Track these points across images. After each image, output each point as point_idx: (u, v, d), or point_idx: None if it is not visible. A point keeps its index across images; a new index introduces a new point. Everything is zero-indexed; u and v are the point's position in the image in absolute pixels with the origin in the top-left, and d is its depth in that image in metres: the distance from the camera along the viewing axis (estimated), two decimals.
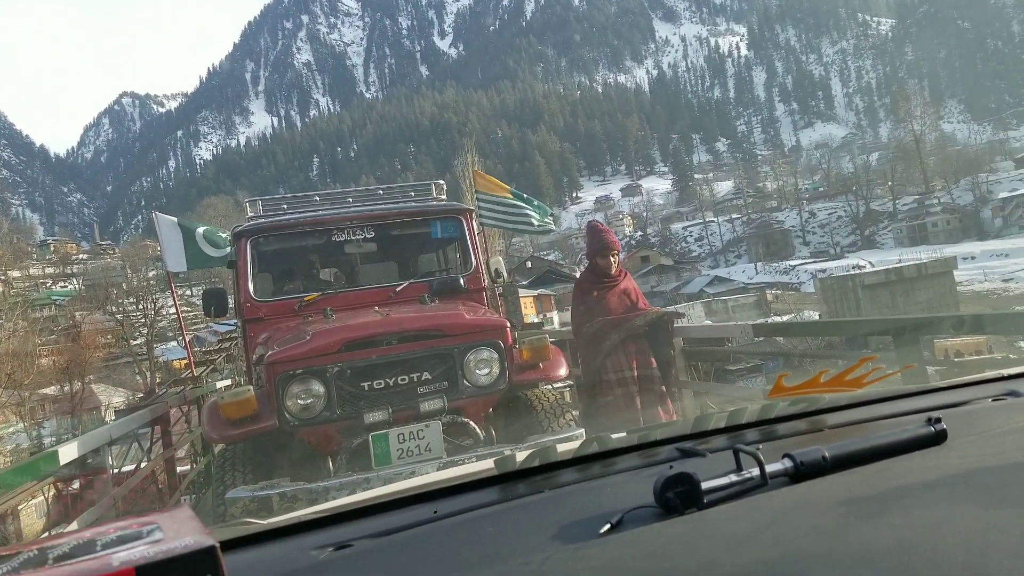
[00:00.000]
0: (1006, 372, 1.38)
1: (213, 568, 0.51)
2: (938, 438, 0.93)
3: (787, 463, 0.85)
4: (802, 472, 0.84)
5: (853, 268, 61.16)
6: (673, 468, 0.81)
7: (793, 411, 1.18)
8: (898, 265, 43.89)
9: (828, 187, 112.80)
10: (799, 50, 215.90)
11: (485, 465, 1.12)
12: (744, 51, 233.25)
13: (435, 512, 0.88)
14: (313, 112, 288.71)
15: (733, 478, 0.82)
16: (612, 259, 5.05)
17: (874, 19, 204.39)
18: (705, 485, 0.78)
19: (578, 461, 1.05)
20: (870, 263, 64.66)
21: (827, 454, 0.86)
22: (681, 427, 1.17)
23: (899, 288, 38.54)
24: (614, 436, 1.15)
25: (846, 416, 1.17)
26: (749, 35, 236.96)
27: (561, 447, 1.12)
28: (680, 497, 0.78)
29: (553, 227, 10.73)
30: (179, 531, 0.55)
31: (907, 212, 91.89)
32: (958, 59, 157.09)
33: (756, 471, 0.82)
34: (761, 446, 0.90)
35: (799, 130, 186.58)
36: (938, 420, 0.95)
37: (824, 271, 63.61)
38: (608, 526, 0.75)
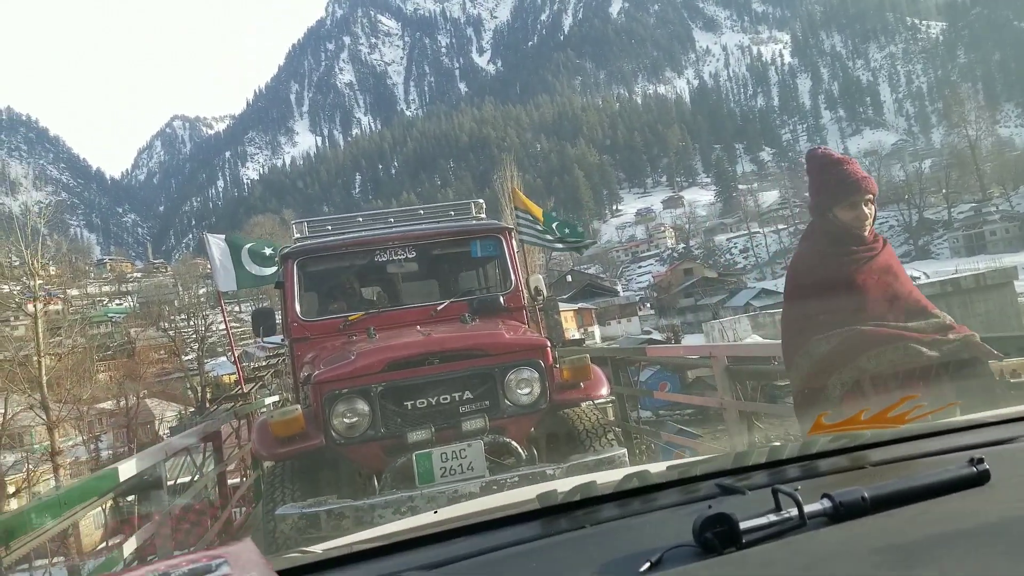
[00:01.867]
0: None
1: None
2: (980, 479, 0.92)
3: (826, 503, 0.85)
4: (841, 513, 0.84)
5: None
6: (712, 508, 0.81)
7: (833, 447, 1.17)
8: (955, 276, 42.54)
9: (879, 195, 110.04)
10: (845, 56, 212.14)
11: (528, 495, 1.12)
12: (788, 59, 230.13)
13: (480, 545, 0.89)
14: (355, 131, 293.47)
15: (772, 518, 0.82)
16: (866, 210, 2.78)
17: (923, 23, 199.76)
18: (743, 525, 0.78)
19: (619, 496, 1.05)
20: (925, 274, 62.71)
21: (866, 494, 0.85)
22: (722, 462, 1.16)
23: (956, 300, 37.26)
24: (654, 470, 1.16)
25: (887, 453, 1.15)
26: (793, 42, 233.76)
27: (602, 480, 1.12)
28: (719, 537, 0.78)
29: (588, 246, 10.82)
30: (245, 566, 0.58)
31: (963, 220, 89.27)
32: (1014, 61, 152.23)
33: (795, 511, 0.82)
34: (800, 484, 0.89)
35: (847, 138, 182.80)
36: (980, 460, 0.93)
37: None
38: (648, 564, 0.75)
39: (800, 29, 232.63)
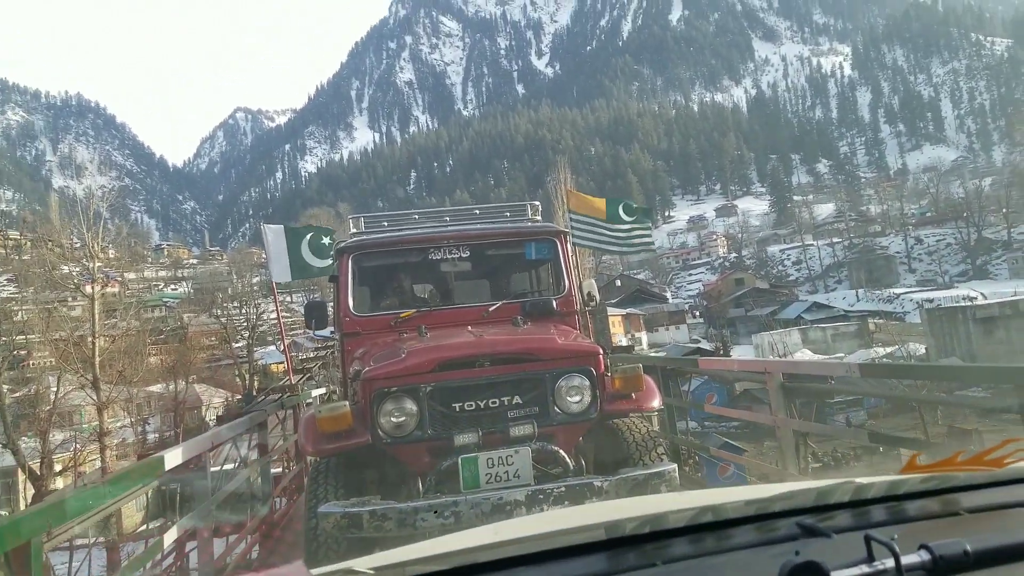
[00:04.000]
0: None
1: None
2: None
3: (924, 556, 0.77)
4: (940, 567, 0.77)
5: (963, 299, 57.59)
6: (799, 554, 0.75)
7: (924, 488, 1.09)
8: (1014, 298, 41.00)
9: (936, 212, 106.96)
10: (907, 70, 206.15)
11: (592, 518, 1.04)
12: (848, 71, 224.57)
13: None
14: (413, 128, 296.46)
15: (865, 569, 0.76)
16: None
17: (988, 39, 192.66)
18: (834, 575, 0.73)
19: (691, 530, 0.98)
20: (982, 294, 60.72)
21: (968, 548, 0.78)
22: (803, 498, 1.07)
23: (1015, 323, 36.00)
24: (729, 504, 1.07)
25: (983, 498, 1.07)
26: (853, 55, 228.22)
27: (672, 511, 1.04)
28: None
29: (651, 242, 10.59)
30: None
31: (1023, 241, 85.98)
32: None
33: (890, 562, 0.75)
34: (894, 532, 0.82)
35: (905, 152, 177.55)
36: None
37: (932, 301, 60.30)
38: None
39: (861, 42, 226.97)
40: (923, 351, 38.76)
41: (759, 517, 1.02)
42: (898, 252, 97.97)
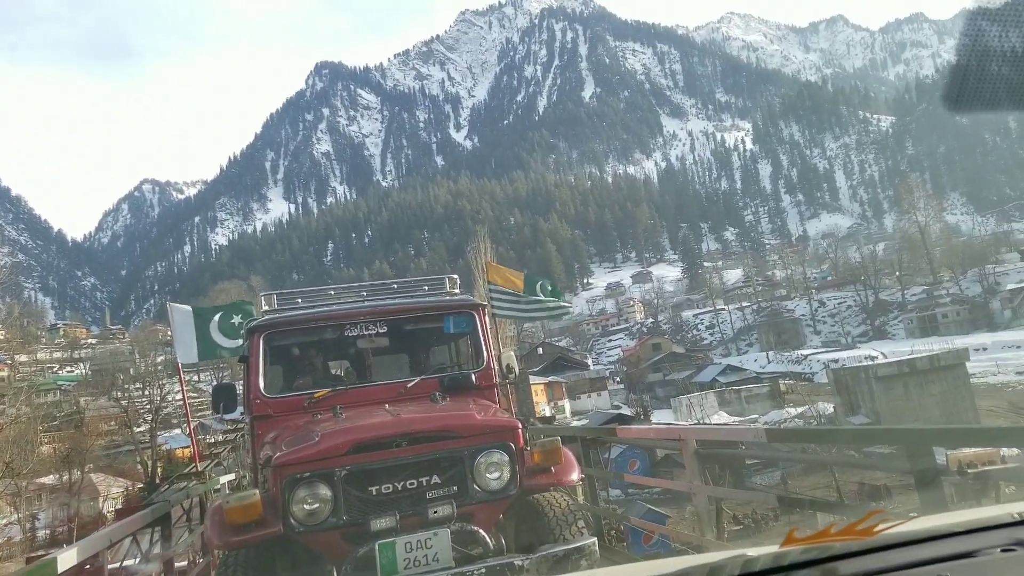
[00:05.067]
0: (1016, 513, 1.33)
1: None
2: None
3: None
4: None
5: (865, 359, 60.66)
6: None
7: (805, 559, 1.17)
8: (911, 357, 43.47)
9: (836, 276, 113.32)
10: (803, 144, 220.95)
11: None
12: (749, 145, 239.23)
13: None
14: (330, 199, 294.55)
15: None
16: None
17: (874, 116, 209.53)
18: None
19: None
20: (882, 354, 64.07)
21: None
22: (697, 575, 1.14)
23: (912, 380, 38.07)
24: None
25: (858, 566, 1.15)
26: (754, 130, 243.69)
27: None
28: None
29: (569, 309, 10.80)
30: None
31: (916, 302, 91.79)
32: (958, 154, 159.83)
33: None
34: None
35: (805, 220, 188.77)
36: None
37: (836, 361, 63.00)
38: None
39: (760, 119, 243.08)
40: (831, 410, 40.32)
41: None
42: (803, 315, 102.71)
